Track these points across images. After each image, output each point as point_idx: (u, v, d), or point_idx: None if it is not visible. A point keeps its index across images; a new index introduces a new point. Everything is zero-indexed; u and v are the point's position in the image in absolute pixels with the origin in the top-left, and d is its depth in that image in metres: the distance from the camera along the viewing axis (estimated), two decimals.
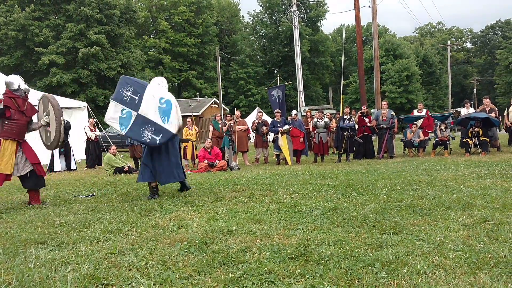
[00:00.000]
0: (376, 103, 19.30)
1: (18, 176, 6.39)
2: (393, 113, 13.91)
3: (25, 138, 6.52)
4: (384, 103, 14.24)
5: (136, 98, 6.31)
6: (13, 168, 6.22)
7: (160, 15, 46.80)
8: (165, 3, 47.23)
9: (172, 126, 6.26)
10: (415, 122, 14.19)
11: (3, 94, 6.29)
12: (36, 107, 6.72)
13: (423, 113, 14.75)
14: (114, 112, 6.36)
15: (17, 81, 6.35)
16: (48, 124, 6.45)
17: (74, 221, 4.98)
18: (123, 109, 6.31)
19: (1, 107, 6.16)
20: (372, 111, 18.16)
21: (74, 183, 9.05)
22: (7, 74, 20.70)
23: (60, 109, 6.39)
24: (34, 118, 6.73)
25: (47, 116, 6.43)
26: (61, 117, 6.29)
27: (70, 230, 4.53)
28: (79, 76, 32.14)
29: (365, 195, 6.19)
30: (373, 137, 14.52)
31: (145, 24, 47.20)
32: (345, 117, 13.32)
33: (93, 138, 13.85)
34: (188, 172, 11.38)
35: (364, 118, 13.76)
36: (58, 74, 31.24)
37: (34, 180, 6.39)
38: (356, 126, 13.73)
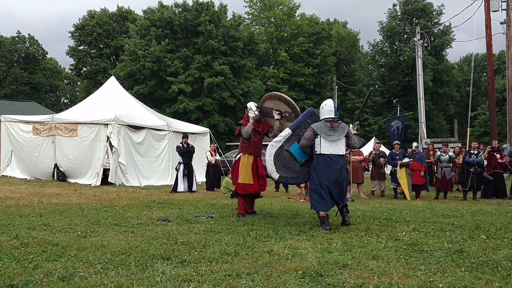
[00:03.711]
0: (509, 137, 17.62)
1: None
2: None
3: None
4: None
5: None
6: (252, 179, 7.38)
7: (280, 46, 48.38)
8: (285, 35, 48.78)
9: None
10: None
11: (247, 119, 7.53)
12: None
13: None
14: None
15: (251, 107, 7.57)
16: (281, 114, 7.38)
17: (195, 240, 5.26)
18: None
19: (252, 127, 7.41)
20: (504, 146, 16.65)
21: (195, 204, 9.58)
22: (143, 101, 23.03)
23: (277, 95, 7.33)
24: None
25: (276, 111, 7.39)
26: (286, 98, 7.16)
27: (191, 249, 4.79)
28: (203, 103, 34.44)
29: (496, 238, 5.63)
30: (505, 175, 13.23)
31: (266, 55, 49.12)
32: (472, 151, 12.36)
33: (213, 162, 14.60)
34: (301, 200, 11.41)
35: (495, 153, 12.62)
36: (185, 102, 33.84)
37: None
38: (485, 162, 12.64)
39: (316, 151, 6.47)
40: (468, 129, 16.00)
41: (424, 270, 4.05)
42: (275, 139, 6.85)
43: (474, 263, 4.28)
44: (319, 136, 6.40)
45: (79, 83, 56.81)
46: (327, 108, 6.61)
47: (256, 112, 7.56)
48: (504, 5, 18.49)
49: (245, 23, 46.08)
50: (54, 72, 55.51)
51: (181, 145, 13.45)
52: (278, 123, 7.48)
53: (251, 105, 7.73)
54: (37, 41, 52.56)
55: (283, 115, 7.43)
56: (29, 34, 52.21)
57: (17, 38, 51.38)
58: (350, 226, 6.48)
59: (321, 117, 6.67)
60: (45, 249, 4.66)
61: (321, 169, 6.36)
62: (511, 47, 17.94)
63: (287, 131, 6.84)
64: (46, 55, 54.40)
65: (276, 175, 6.71)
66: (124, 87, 22.84)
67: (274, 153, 6.69)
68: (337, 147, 6.43)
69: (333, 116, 6.56)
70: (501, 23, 18.88)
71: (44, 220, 6.80)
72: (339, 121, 6.61)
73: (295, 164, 6.79)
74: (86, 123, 15.16)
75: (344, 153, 6.55)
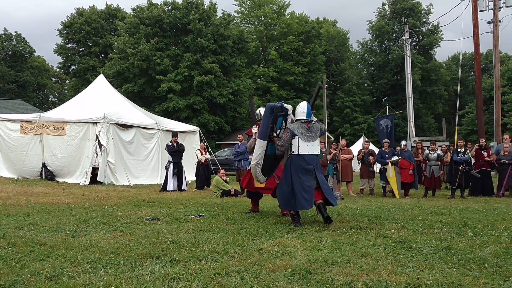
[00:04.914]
0: (496, 136, 17.85)
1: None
2: None
3: None
4: (506, 136, 13.08)
5: None
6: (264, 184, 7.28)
7: (270, 45, 48.35)
8: (275, 33, 48.78)
9: None
10: None
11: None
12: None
13: None
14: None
15: (261, 112, 7.63)
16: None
17: (185, 239, 5.25)
18: None
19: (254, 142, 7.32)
20: (491, 144, 16.85)
21: (185, 203, 9.56)
22: (132, 100, 22.89)
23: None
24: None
25: None
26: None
27: (181, 248, 4.78)
28: (193, 102, 34.30)
29: (483, 235, 5.70)
30: (492, 173, 13.39)
31: (255, 54, 49.04)
32: (459, 150, 12.48)
33: (203, 161, 14.57)
34: None
35: (482, 151, 12.76)
36: (174, 100, 33.65)
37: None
38: (473, 160, 12.77)
39: (293, 152, 6.55)
40: (456, 127, 16.06)
41: (412, 267, 4.09)
42: (256, 161, 6.53)
43: (461, 260, 4.33)
44: (296, 136, 6.51)
45: (67, 81, 56.29)
46: (300, 110, 6.75)
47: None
48: (491, 5, 18.72)
49: (234, 21, 45.94)
50: (42, 70, 54.99)
51: (170, 143, 13.40)
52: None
53: (262, 110, 7.86)
54: (24, 38, 52.06)
55: None
56: (16, 32, 51.70)
57: (3, 36, 50.76)
58: (343, 223, 6.52)
59: (296, 118, 6.81)
60: (33, 249, 4.62)
61: (295, 169, 6.45)
62: (498, 47, 18.16)
63: (261, 145, 6.53)
64: (34, 53, 53.87)
65: (263, 179, 6.74)
66: (113, 85, 22.67)
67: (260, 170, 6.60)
68: (313, 147, 6.58)
69: (306, 118, 6.69)
70: (488, 22, 19.11)
71: (31, 219, 6.74)
72: (313, 121, 6.77)
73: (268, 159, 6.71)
74: (74, 122, 15.03)
75: (319, 153, 6.61)
